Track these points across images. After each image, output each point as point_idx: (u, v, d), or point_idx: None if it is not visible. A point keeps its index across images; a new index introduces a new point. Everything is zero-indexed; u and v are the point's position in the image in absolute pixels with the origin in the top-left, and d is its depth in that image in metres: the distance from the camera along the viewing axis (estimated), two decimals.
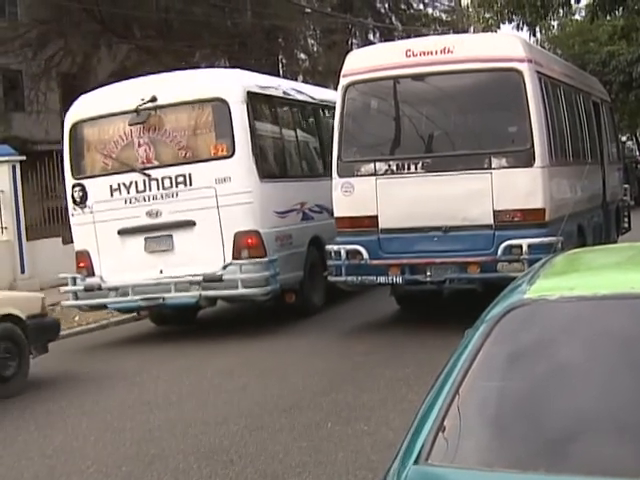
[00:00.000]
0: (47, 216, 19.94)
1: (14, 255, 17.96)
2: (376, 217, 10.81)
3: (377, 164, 10.84)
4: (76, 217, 12.36)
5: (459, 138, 11.02)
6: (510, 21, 20.82)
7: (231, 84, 12.09)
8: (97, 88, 13.26)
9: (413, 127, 11.33)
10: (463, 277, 10.64)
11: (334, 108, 11.47)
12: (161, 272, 11.73)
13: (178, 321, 13.17)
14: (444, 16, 43.32)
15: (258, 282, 11.50)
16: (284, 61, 35.79)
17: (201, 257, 11.46)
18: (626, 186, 18.09)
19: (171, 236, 11.77)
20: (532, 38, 25.27)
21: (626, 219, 17.13)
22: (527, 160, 10.31)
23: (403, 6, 41.30)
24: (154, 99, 11.81)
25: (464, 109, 11.10)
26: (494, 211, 10.35)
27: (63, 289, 12.33)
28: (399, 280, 10.80)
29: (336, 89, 11.62)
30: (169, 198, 11.76)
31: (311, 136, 14.68)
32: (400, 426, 5.96)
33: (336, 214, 11.21)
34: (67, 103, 14.08)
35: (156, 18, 29.00)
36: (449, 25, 41.14)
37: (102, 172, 12.20)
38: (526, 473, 2.60)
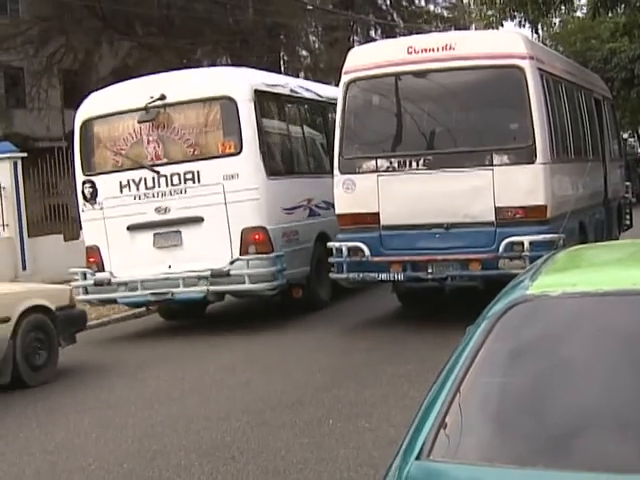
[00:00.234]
0: (48, 213, 19.97)
1: (15, 252, 17.98)
2: (378, 214, 10.81)
3: (379, 161, 10.84)
4: (86, 213, 12.56)
5: (461, 135, 11.02)
6: (512, 18, 20.79)
7: (239, 83, 12.23)
8: (98, 85, 13.38)
9: (415, 124, 11.32)
10: (464, 274, 10.64)
11: None
12: (170, 267, 11.91)
13: (187, 315, 13.35)
14: (446, 13, 43.34)
15: (265, 277, 11.68)
16: (286, 58, 35.80)
17: (209, 253, 11.62)
18: (628, 183, 18.08)
19: (179, 232, 11.95)
20: (534, 35, 25.20)
21: (628, 216, 17.12)
22: (529, 157, 10.31)
23: (405, 3, 41.30)
24: (163, 97, 11.96)
25: (466, 106, 11.09)
26: (496, 208, 10.34)
27: (73, 284, 12.40)
28: (400, 277, 10.81)
29: (338, 86, 11.62)
30: (178, 194, 11.92)
31: (318, 133, 14.78)
32: (402, 422, 5.97)
33: (337, 211, 11.22)
34: (68, 100, 14.15)
35: (158, 15, 29.02)
36: (451, 22, 41.21)
37: (112, 169, 12.37)
38: (527, 469, 2.60)
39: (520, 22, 21.21)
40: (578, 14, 32.75)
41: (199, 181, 11.82)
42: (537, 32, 27.25)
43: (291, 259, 12.10)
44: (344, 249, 10.92)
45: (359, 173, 10.92)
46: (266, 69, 16.64)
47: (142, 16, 28.44)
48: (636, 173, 32.32)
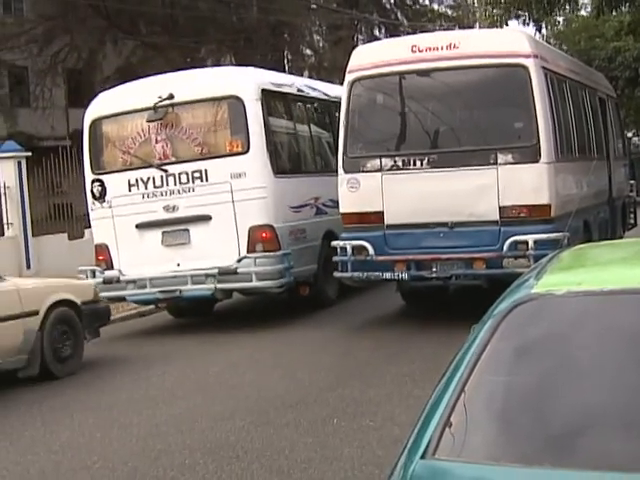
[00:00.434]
0: (53, 212, 19.97)
1: (20, 251, 18.00)
2: (382, 213, 10.81)
3: (383, 160, 10.84)
4: (95, 211, 12.66)
5: (465, 134, 11.01)
6: (516, 17, 20.82)
7: (246, 82, 12.32)
8: (103, 84, 13.45)
9: (419, 123, 11.32)
10: (469, 273, 10.63)
11: None
12: (178, 265, 12.01)
13: (195, 313, 13.45)
14: (450, 12, 43.29)
15: (272, 275, 11.77)
16: (290, 57, 35.77)
17: (216, 251, 11.71)
18: (632, 182, 18.09)
19: (187, 230, 12.04)
20: (538, 34, 25.20)
21: (632, 215, 17.14)
22: (533, 156, 10.30)
23: (409, 2, 41.22)
24: (171, 96, 12.05)
25: (470, 105, 11.08)
26: (500, 207, 10.34)
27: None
28: (405, 276, 10.80)
29: (342, 85, 11.64)
30: (185, 193, 12.02)
31: (325, 132, 14.83)
32: (406, 421, 5.98)
33: (342, 210, 11.23)
34: (73, 99, 14.22)
35: (162, 14, 29.02)
36: (455, 21, 41.14)
37: (121, 168, 12.48)
38: (533, 467, 2.60)
39: (524, 21, 21.26)
40: (582, 13, 32.70)
41: (207, 180, 11.90)
42: (541, 31, 27.27)
43: (298, 257, 12.18)
44: (348, 248, 10.92)
45: (363, 172, 10.92)
46: (271, 68, 16.65)
47: (146, 15, 28.45)
48: None
